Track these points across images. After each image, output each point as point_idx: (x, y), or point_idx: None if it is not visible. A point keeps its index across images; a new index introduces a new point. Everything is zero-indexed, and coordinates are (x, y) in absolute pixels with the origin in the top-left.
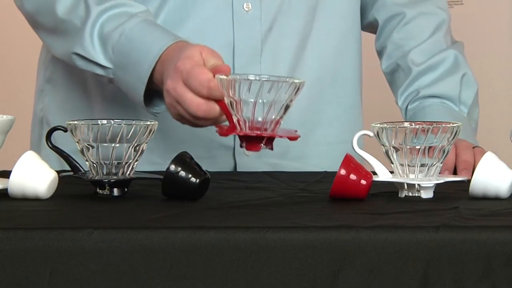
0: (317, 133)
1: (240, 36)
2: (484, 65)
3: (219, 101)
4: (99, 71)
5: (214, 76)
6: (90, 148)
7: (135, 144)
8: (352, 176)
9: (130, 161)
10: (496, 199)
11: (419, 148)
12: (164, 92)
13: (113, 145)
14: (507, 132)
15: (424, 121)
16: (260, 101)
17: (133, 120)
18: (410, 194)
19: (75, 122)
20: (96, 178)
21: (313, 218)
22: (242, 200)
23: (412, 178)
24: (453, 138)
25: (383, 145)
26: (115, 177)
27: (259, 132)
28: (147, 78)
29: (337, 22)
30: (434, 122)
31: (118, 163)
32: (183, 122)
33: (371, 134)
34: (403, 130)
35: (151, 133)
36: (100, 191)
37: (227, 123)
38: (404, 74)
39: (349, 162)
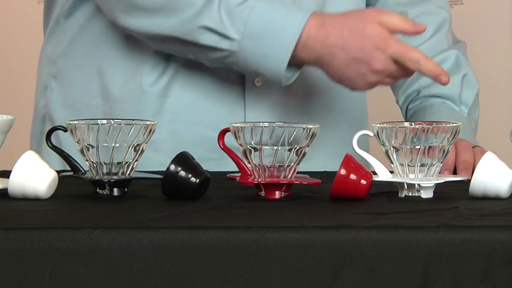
0: (322, 134)
1: None
2: (484, 65)
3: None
4: (224, 44)
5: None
6: (90, 148)
7: (135, 144)
8: (352, 176)
9: (130, 161)
10: (496, 199)
11: (419, 148)
12: (369, 73)
13: (113, 145)
14: (507, 132)
15: (424, 121)
16: (276, 147)
17: (133, 120)
18: (410, 194)
19: (75, 122)
20: (96, 178)
21: (313, 218)
22: (242, 200)
23: (412, 178)
24: (453, 138)
25: (383, 145)
26: (115, 177)
27: (279, 179)
28: (293, 48)
29: None
30: (434, 122)
31: (118, 163)
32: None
33: (371, 134)
34: (403, 130)
35: (151, 133)
36: (100, 191)
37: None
38: None
39: (349, 162)
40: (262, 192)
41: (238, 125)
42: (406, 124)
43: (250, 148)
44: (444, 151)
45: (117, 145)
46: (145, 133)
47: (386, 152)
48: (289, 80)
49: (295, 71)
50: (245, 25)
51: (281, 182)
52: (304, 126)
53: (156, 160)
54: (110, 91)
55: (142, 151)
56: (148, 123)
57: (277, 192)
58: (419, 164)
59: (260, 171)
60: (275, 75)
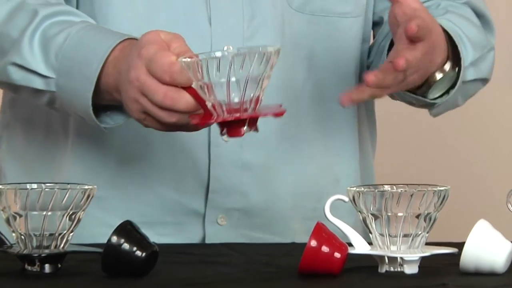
0: (307, 206)
1: None
2: None
3: (188, 89)
4: (39, 83)
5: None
6: (18, 217)
7: (70, 212)
8: (324, 248)
9: (64, 232)
10: (491, 274)
11: (402, 216)
12: (127, 85)
13: (44, 213)
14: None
15: (407, 184)
16: (234, 79)
17: (68, 184)
18: (392, 269)
19: (0, 186)
20: (24, 252)
21: None
22: (195, 277)
23: (394, 250)
24: (440, 203)
25: (360, 211)
26: (46, 250)
27: (238, 115)
28: (96, 77)
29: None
30: (419, 185)
31: (50, 234)
32: (147, 123)
33: (346, 199)
34: (383, 194)
35: (89, 198)
36: (29, 267)
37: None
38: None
39: (321, 231)
40: (224, 131)
41: (187, 59)
42: (387, 187)
43: (204, 84)
44: (430, 218)
45: (49, 213)
46: (82, 199)
47: (364, 220)
48: (111, 124)
49: (123, 116)
50: (57, 58)
51: (240, 118)
52: (261, 49)
53: (103, 221)
54: (66, 141)
55: (79, 220)
56: (86, 187)
57: (241, 129)
58: (401, 234)
59: (218, 109)
60: (89, 116)
